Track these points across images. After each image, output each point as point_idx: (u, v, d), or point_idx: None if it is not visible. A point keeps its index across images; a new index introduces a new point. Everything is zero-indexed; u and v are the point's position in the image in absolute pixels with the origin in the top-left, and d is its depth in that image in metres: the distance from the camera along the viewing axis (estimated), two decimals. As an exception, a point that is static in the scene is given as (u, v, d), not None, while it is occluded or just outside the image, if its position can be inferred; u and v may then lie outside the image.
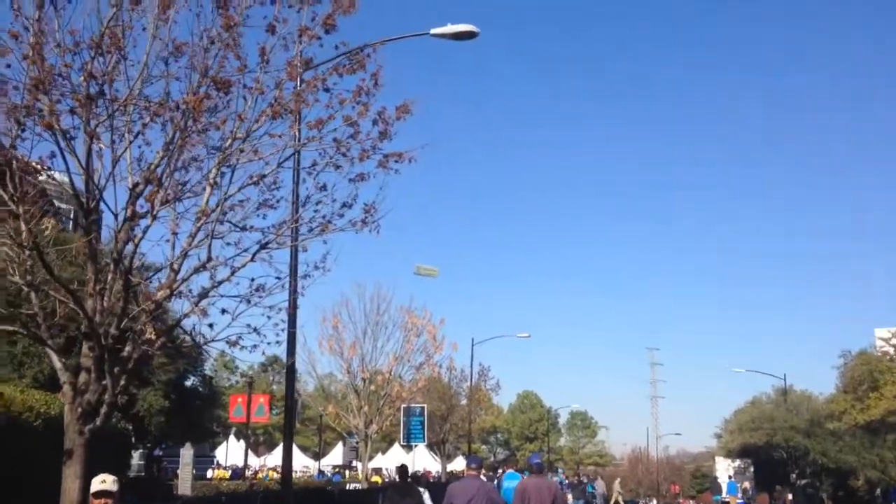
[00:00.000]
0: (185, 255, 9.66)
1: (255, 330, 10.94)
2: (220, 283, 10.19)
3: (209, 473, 41.57)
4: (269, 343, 11.09)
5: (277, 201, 10.69)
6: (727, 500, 42.89)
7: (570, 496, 39.62)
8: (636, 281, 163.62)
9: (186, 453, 18.71)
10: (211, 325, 10.93)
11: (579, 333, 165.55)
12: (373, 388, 24.81)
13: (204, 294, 10.51)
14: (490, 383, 45.33)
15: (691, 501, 59.57)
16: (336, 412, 25.58)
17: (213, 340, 11.12)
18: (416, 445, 33.99)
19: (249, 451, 62.92)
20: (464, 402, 43.18)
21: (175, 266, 9.75)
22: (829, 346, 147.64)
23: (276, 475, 46.11)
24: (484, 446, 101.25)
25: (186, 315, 10.42)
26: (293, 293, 12.95)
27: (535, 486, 10.34)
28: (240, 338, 11.11)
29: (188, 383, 35.83)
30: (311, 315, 66.58)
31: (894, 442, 36.28)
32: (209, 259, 9.50)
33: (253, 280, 10.56)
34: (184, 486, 17.74)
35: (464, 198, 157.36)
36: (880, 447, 36.93)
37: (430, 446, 47.38)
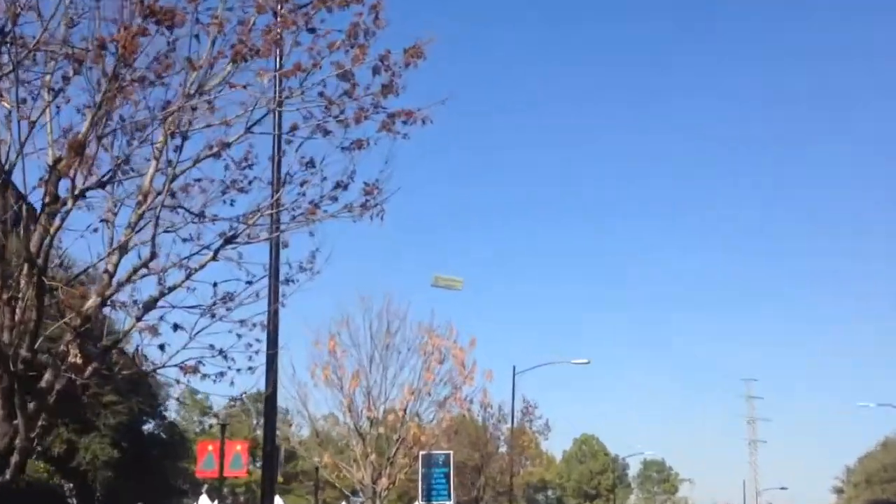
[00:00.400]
0: (122, 250, 9.34)
1: (220, 352, 10.64)
2: (172, 289, 9.89)
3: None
4: (239, 370, 10.83)
5: (249, 182, 10.45)
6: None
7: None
8: (725, 293, 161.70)
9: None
10: (162, 347, 10.63)
11: (651, 361, 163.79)
12: (382, 430, 24.28)
13: (150, 304, 10.19)
14: (537, 424, 44.78)
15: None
16: (334, 462, 25.08)
17: (163, 367, 10.82)
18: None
19: (227, 515, 62.91)
20: (503, 449, 42.59)
21: (110, 267, 9.44)
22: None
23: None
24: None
25: (127, 333, 10.12)
26: (273, 303, 12.63)
27: None
28: (200, 363, 10.80)
29: (147, 428, 35.80)
30: (299, 336, 66.53)
31: None
32: (153, 255, 9.15)
33: (216, 285, 10.25)
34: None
35: (500, 185, 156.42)
36: None
37: (461, 506, 46.89)
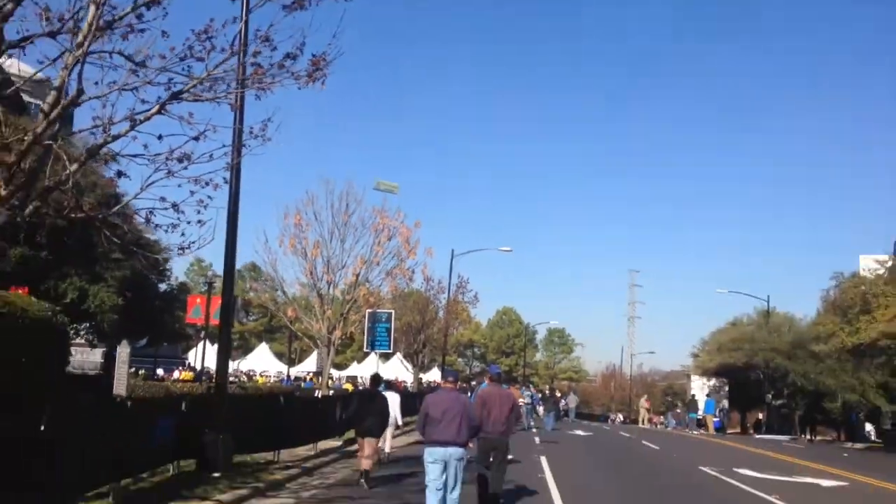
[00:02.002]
0: (59, 91, 7.44)
1: (173, 205, 9.26)
2: (117, 137, 8.20)
3: (175, 374, 40.07)
4: (189, 223, 9.49)
5: (209, 52, 8.72)
6: (703, 418, 41.95)
7: (541, 409, 38.62)
8: (621, 201, 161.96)
9: (123, 351, 16.64)
10: (117, 197, 9.04)
11: (561, 251, 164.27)
12: (337, 292, 22.76)
13: (94, 150, 8.48)
14: (468, 296, 43.65)
15: (660, 417, 58.73)
16: (297, 315, 23.57)
17: (112, 213, 9.19)
18: (378, 353, 32.58)
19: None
20: (441, 314, 41.56)
21: (45, 107, 7.53)
22: (812, 272, 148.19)
23: (245, 379, 44.84)
24: (460, 359, 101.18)
25: (71, 176, 8.27)
26: (235, 160, 10.89)
27: (494, 394, 11.08)
28: (151, 213, 9.24)
29: (161, 286, 33.82)
30: (271, 213, 66.32)
31: (877, 367, 35.10)
32: (80, 92, 7.30)
33: (160, 137, 8.51)
34: (119, 385, 15.76)
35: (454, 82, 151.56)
36: (864, 371, 35.77)
37: (406, 357, 46.10)
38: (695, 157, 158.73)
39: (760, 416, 48.98)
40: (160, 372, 38.18)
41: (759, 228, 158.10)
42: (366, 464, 12.80)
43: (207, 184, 9.47)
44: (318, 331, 22.57)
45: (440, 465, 9.01)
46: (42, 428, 7.44)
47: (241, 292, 71.31)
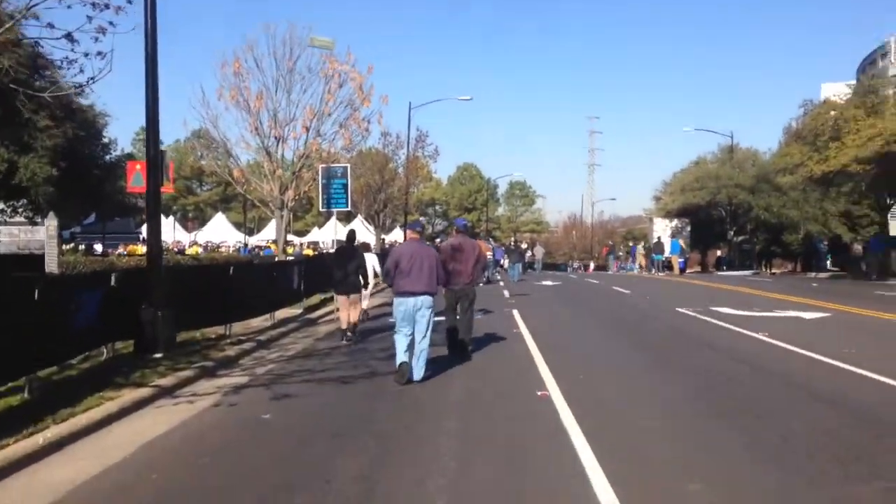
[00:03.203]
0: None
1: (67, 36, 7.68)
2: None
3: (120, 249, 38.12)
4: (87, 55, 7.84)
5: None
6: (669, 259, 41.63)
7: (506, 262, 37.87)
8: (579, 45, 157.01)
9: (50, 224, 14.93)
10: None
11: (520, 101, 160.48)
12: (287, 148, 20.65)
13: None
14: (429, 150, 41.73)
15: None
16: (244, 177, 21.54)
17: None
18: (337, 214, 31.09)
19: (178, 227, 59.62)
20: (401, 170, 39.75)
21: None
22: (773, 105, 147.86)
23: (199, 250, 43.16)
24: (422, 218, 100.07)
25: None
26: None
27: (461, 244, 11.07)
28: (37, 44, 7.64)
29: (107, 157, 31.23)
30: (207, 66, 61.28)
31: (842, 195, 34.62)
32: None
33: None
34: (50, 261, 14.17)
35: None
36: (828, 201, 35.32)
37: (367, 219, 44.67)
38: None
39: (719, 252, 49.13)
40: (98, 248, 35.86)
41: (718, 65, 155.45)
42: (347, 321, 12.88)
43: (107, 6, 7.79)
44: (269, 192, 20.68)
45: (410, 314, 9.02)
46: None
47: (189, 159, 68.11)
